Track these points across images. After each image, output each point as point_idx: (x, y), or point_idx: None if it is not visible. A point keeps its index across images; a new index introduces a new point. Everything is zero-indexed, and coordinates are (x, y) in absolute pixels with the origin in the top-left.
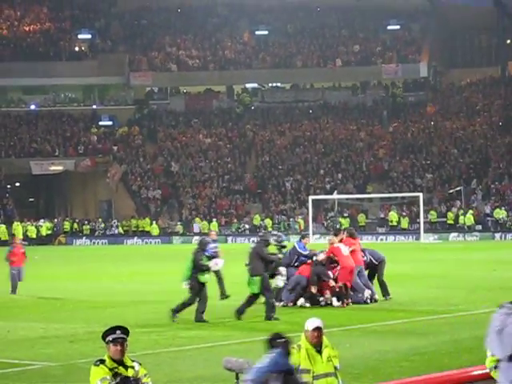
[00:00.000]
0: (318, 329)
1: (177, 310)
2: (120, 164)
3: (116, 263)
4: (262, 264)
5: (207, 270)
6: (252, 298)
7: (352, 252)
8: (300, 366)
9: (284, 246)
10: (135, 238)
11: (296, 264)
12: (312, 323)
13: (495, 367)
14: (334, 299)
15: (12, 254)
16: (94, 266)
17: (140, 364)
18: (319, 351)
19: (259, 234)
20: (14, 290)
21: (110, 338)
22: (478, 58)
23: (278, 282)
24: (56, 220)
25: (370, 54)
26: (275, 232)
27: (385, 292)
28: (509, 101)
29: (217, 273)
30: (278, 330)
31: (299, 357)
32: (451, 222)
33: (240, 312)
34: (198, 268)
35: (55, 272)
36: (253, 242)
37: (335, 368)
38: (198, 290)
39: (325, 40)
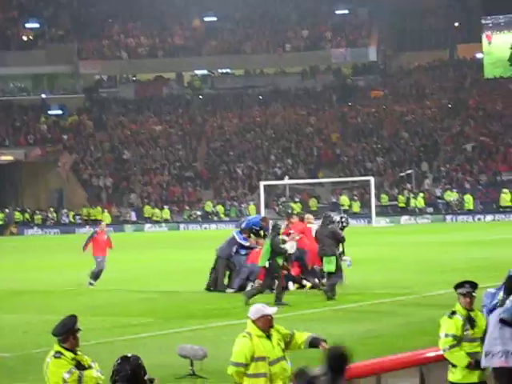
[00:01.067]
0: (269, 314)
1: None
2: (70, 153)
3: (68, 252)
4: (336, 244)
5: (284, 253)
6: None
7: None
8: (255, 354)
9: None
10: (87, 226)
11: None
12: (265, 308)
13: (449, 347)
14: (290, 283)
15: None
16: (46, 255)
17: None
18: (268, 336)
19: (325, 214)
20: None
21: (70, 329)
22: (427, 41)
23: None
24: (7, 210)
25: (319, 38)
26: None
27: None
28: (458, 83)
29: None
30: (233, 317)
31: (253, 345)
32: (402, 205)
33: (332, 292)
34: (276, 252)
35: (7, 262)
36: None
37: (283, 350)
38: (275, 273)
39: (274, 26)
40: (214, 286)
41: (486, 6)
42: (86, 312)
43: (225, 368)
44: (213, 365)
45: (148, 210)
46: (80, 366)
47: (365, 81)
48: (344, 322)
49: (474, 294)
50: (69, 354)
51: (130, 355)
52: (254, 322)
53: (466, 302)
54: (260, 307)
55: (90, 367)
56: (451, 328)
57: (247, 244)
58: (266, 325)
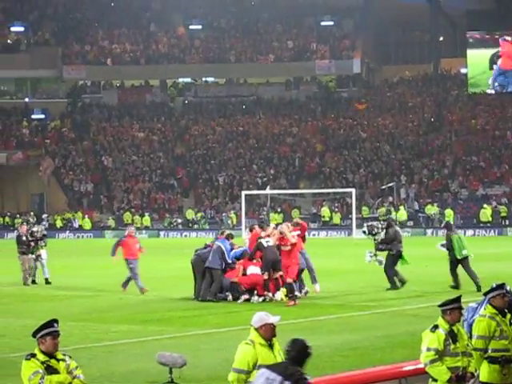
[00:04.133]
0: (272, 323)
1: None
2: (52, 157)
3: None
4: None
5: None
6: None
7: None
8: (258, 362)
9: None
10: (67, 231)
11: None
12: (268, 317)
13: (431, 362)
14: (278, 293)
15: None
16: None
17: (70, 357)
18: (271, 345)
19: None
20: None
21: (47, 331)
22: (411, 55)
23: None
24: None
25: (304, 49)
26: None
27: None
28: (441, 97)
29: None
30: (212, 325)
31: (256, 352)
32: (383, 218)
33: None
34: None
35: None
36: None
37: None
38: None
39: (258, 35)
40: (212, 295)
41: (470, 21)
42: (66, 317)
43: (203, 376)
44: (192, 373)
45: (128, 217)
46: (50, 370)
47: (348, 93)
48: (323, 334)
49: (457, 309)
50: (42, 357)
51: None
52: (256, 329)
53: (448, 317)
54: (263, 315)
55: (57, 372)
56: (433, 342)
57: (230, 261)
58: (268, 333)
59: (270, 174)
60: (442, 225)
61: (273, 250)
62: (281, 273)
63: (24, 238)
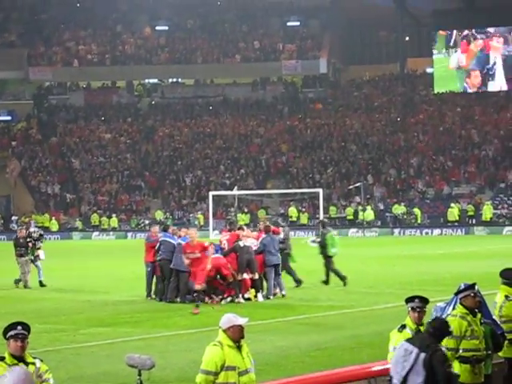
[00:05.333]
0: (240, 325)
1: None
2: (19, 159)
3: (13, 259)
4: None
5: None
6: None
7: None
8: (226, 364)
9: None
10: None
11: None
12: (236, 319)
13: None
14: (260, 295)
15: None
16: None
17: (41, 360)
18: (239, 347)
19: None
20: None
21: (10, 333)
22: (378, 55)
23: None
24: None
25: (270, 50)
26: None
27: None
28: (407, 97)
29: None
30: (180, 326)
31: (224, 354)
32: (351, 217)
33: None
34: None
35: None
36: None
37: (251, 362)
38: None
39: (225, 36)
40: (181, 297)
41: (437, 20)
42: (33, 319)
43: (172, 377)
44: (160, 374)
45: (95, 218)
46: None
47: (315, 93)
48: (291, 334)
49: (424, 309)
50: (10, 360)
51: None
52: (224, 331)
53: (415, 317)
54: (231, 317)
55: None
56: (400, 342)
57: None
58: (236, 335)
59: (238, 174)
60: (317, 222)
61: (248, 250)
62: (256, 274)
63: (21, 241)
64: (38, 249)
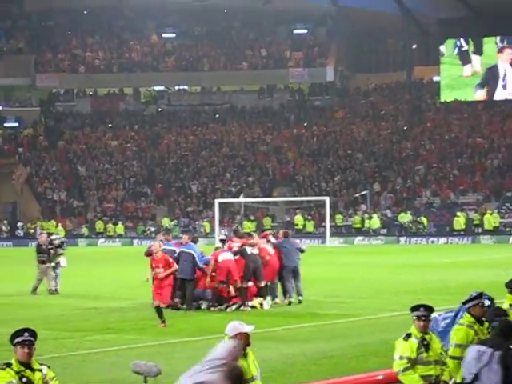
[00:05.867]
0: (246, 332)
1: None
2: (25, 166)
3: (21, 266)
4: None
5: None
6: None
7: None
8: None
9: None
10: None
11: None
12: (242, 326)
13: (403, 370)
14: (265, 302)
15: None
16: None
17: (48, 367)
18: (245, 355)
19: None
20: None
21: (17, 340)
22: (385, 63)
23: None
24: None
25: (277, 57)
26: None
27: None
28: (414, 105)
29: None
30: (186, 334)
31: None
32: (358, 225)
33: None
34: None
35: None
36: None
37: (257, 370)
38: None
39: (232, 43)
40: (188, 305)
41: (443, 29)
42: (39, 325)
43: None
44: (166, 381)
45: (99, 225)
46: (24, 381)
47: (322, 101)
48: (297, 342)
49: (429, 317)
50: (17, 367)
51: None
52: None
53: (420, 326)
54: (237, 325)
55: (31, 383)
56: (406, 350)
57: (202, 266)
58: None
59: (244, 182)
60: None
61: (255, 259)
62: (262, 282)
63: (44, 247)
64: (60, 255)
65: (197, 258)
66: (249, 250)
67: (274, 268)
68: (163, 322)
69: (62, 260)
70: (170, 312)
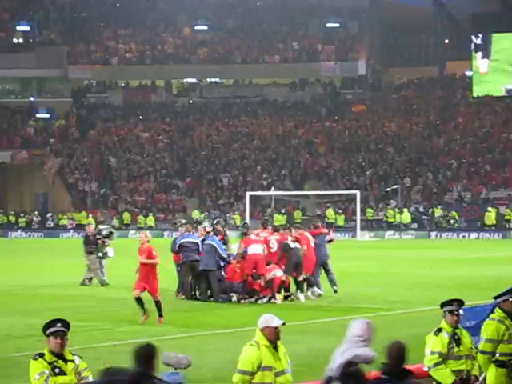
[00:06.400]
0: (275, 327)
1: None
2: (57, 157)
3: (52, 256)
4: None
5: None
6: None
7: None
8: (262, 364)
9: None
10: (71, 231)
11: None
12: (272, 320)
13: (435, 365)
14: (302, 295)
15: None
16: (30, 259)
17: (81, 358)
18: (275, 347)
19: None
20: None
21: (50, 330)
22: (417, 57)
23: None
24: None
25: (309, 51)
26: None
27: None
28: (446, 100)
29: None
30: (216, 326)
31: (261, 354)
32: (392, 220)
33: None
34: None
35: None
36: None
37: (288, 363)
38: None
39: (264, 36)
40: (216, 297)
41: (476, 23)
42: (71, 317)
43: (207, 377)
44: (196, 374)
45: (127, 217)
46: (57, 371)
47: (353, 95)
48: (326, 336)
49: (460, 311)
50: (49, 357)
51: None
52: (261, 330)
53: (453, 320)
54: (268, 318)
55: (63, 373)
56: (437, 345)
57: (225, 256)
58: (271, 336)
59: (275, 175)
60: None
61: (297, 253)
62: (304, 275)
63: (91, 238)
64: (107, 246)
65: (219, 249)
66: (291, 243)
67: (311, 260)
68: (145, 313)
69: (110, 250)
70: (199, 304)
